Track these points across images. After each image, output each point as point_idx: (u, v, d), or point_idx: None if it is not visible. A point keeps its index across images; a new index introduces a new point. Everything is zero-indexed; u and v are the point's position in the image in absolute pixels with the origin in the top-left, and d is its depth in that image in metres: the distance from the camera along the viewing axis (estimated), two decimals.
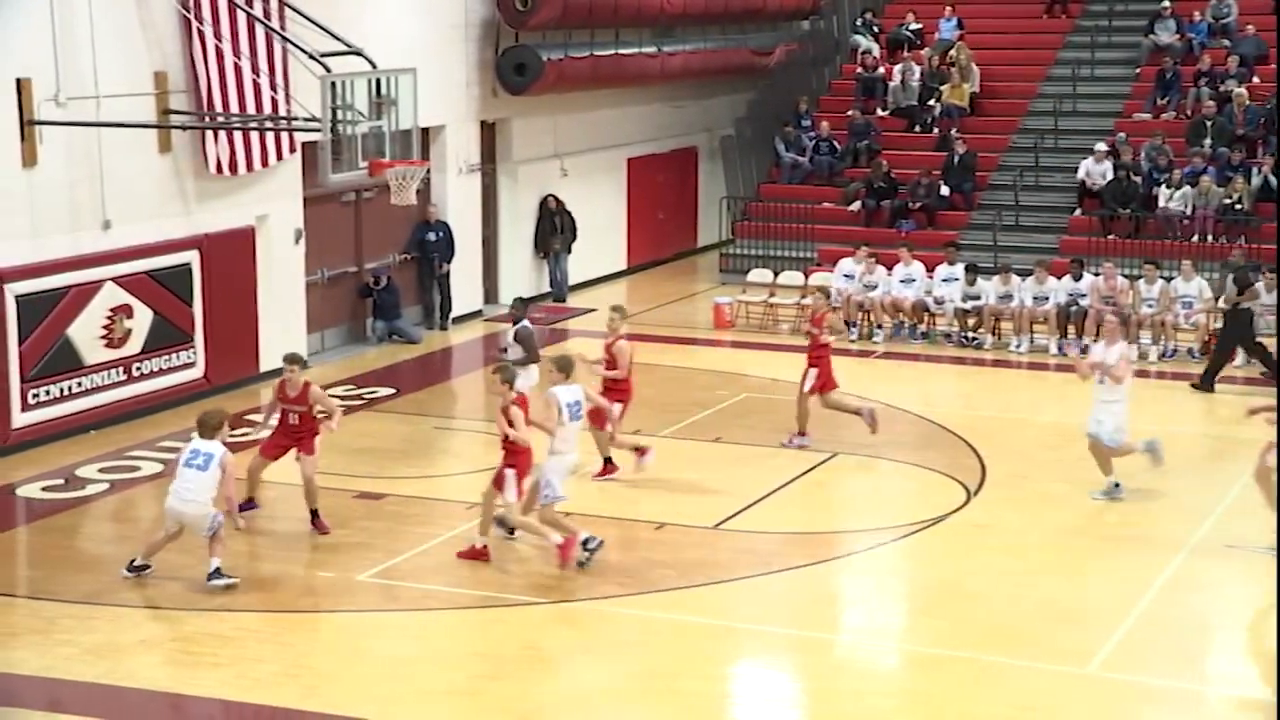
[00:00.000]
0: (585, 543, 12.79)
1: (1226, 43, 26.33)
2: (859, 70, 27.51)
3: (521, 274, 24.15)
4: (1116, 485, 14.79)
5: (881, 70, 27.40)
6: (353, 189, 20.57)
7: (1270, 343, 19.53)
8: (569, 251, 24.53)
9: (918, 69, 26.95)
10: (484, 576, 12.77)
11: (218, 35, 17.51)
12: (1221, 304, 19.98)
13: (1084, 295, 20.93)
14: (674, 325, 21.07)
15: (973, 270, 21.55)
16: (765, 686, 11.17)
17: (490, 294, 23.78)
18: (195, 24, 17.30)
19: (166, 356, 17.63)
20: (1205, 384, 19.17)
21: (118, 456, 15.82)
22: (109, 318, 16.86)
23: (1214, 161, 23.80)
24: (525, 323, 15.78)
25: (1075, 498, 14.97)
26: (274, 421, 13.87)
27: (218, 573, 12.19)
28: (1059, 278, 21.23)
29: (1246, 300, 19.50)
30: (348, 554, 13.15)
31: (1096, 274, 21.13)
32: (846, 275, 22.05)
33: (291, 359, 13.74)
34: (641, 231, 26.89)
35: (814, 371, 16.18)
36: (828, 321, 16.41)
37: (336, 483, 14.77)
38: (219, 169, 17.97)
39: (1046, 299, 21.00)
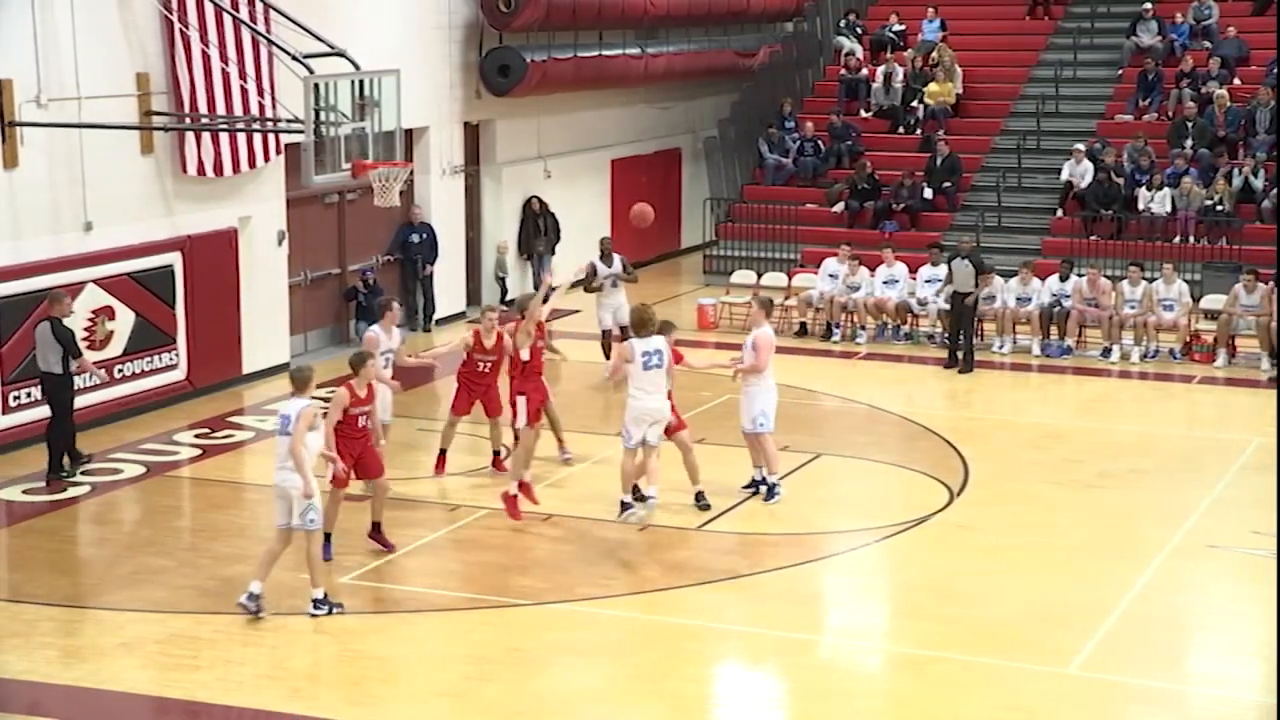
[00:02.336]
0: None
1: (1208, 44, 26.43)
2: (842, 71, 27.55)
3: (506, 276, 24.13)
4: (763, 482, 14.46)
5: (865, 71, 27.45)
6: (336, 190, 20.55)
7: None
8: (553, 253, 24.52)
9: (901, 70, 27.00)
10: (469, 578, 12.78)
11: (202, 37, 17.47)
12: (954, 288, 20.22)
13: (1068, 296, 20.98)
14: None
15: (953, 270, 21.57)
16: (750, 688, 11.18)
17: (473, 296, 23.76)
18: (177, 25, 17.26)
19: (148, 358, 17.58)
20: (966, 366, 19.91)
21: (100, 459, 15.77)
22: (90, 320, 16.80)
23: (1195, 163, 23.89)
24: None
25: (1058, 498, 15.02)
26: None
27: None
28: (1043, 279, 21.28)
29: (982, 287, 20.11)
30: (333, 556, 13.11)
31: (1080, 275, 21.18)
32: (831, 275, 22.07)
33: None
34: (625, 233, 26.84)
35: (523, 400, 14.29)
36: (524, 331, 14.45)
37: (321, 485, 14.70)
38: (199, 171, 17.92)
39: (1029, 300, 21.05)
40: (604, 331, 18.91)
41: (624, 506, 13.28)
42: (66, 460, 15.26)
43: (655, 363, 13.03)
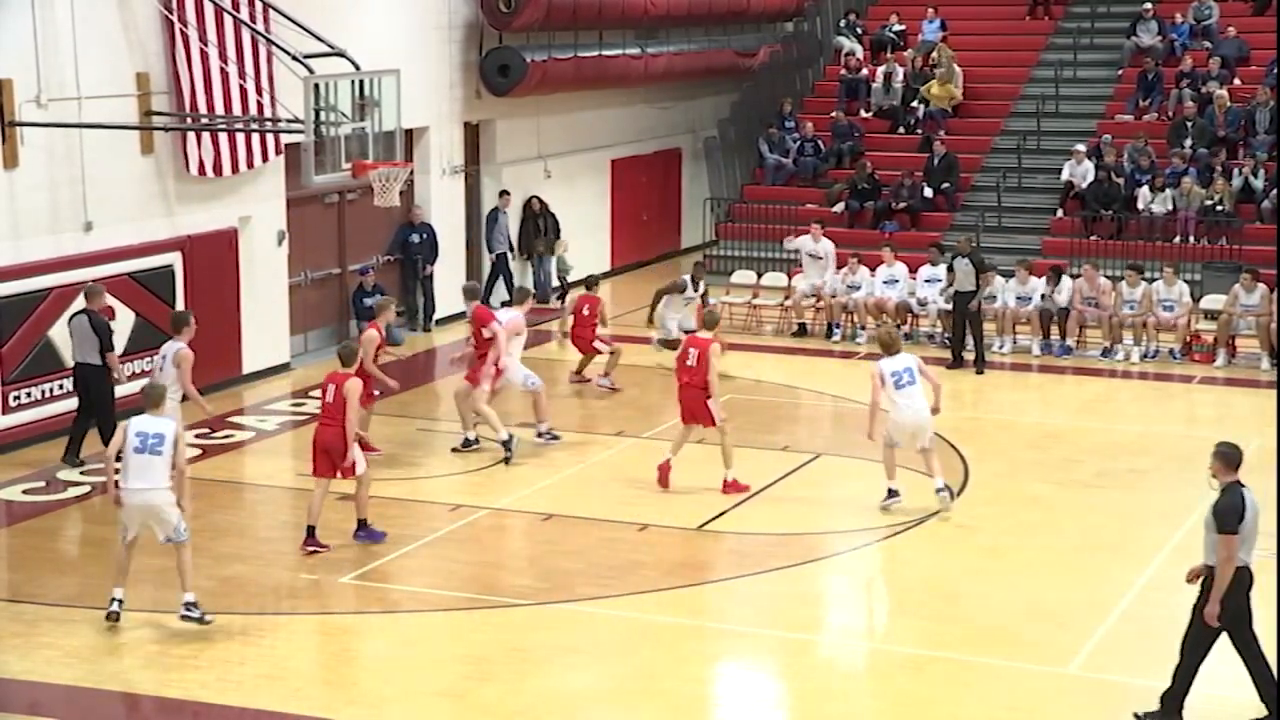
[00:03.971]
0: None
1: (1208, 44, 26.43)
2: (842, 71, 27.56)
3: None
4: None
5: (865, 71, 27.46)
6: (336, 190, 20.55)
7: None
8: (552, 253, 24.52)
9: (901, 70, 27.01)
10: (469, 578, 12.77)
11: (201, 36, 17.47)
12: (955, 288, 20.25)
13: (1059, 295, 20.92)
14: (657, 327, 21.13)
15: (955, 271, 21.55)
16: (749, 687, 11.18)
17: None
18: (178, 25, 17.26)
19: (149, 358, 17.52)
20: (978, 367, 19.86)
21: (99, 459, 15.73)
22: None
23: (1194, 162, 23.89)
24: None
25: (1058, 498, 15.02)
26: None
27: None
28: (1040, 278, 21.28)
29: (984, 286, 20.16)
30: (331, 556, 13.13)
31: (1076, 275, 21.15)
32: (811, 254, 22.08)
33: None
34: (625, 233, 26.90)
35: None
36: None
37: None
38: (201, 170, 17.93)
39: (1029, 299, 21.03)
40: (667, 339, 19.80)
41: (890, 494, 14.32)
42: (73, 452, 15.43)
43: (908, 380, 14.16)
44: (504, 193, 23.83)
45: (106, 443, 15.28)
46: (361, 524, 13.36)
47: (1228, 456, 10.14)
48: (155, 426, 11.35)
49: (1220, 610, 9.84)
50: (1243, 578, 9.93)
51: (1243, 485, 10.01)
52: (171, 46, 17.44)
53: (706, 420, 14.85)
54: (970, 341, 20.12)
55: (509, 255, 23.81)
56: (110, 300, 16.90)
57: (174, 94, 17.52)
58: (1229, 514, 9.83)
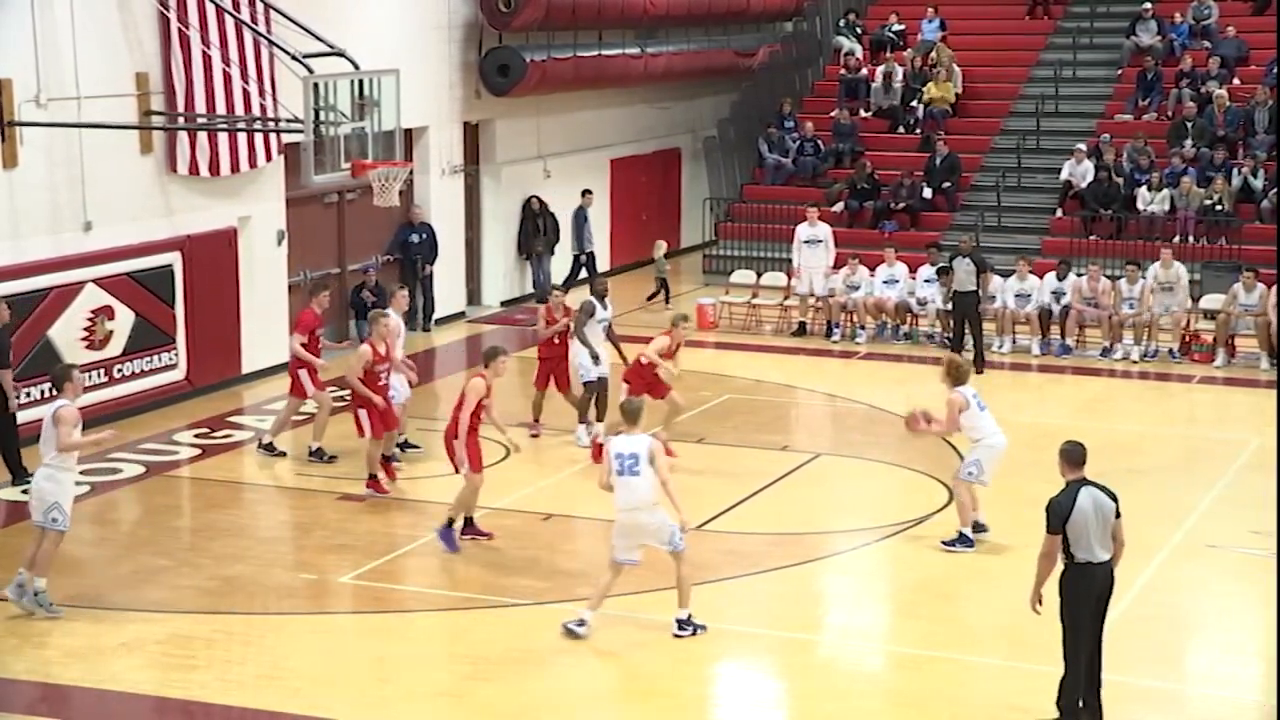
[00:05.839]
0: None
1: (1207, 44, 26.44)
2: (842, 71, 27.57)
3: (504, 276, 24.15)
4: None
5: (864, 71, 27.47)
6: (335, 190, 20.55)
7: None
8: (552, 253, 24.52)
9: (900, 70, 27.02)
10: (467, 578, 12.77)
11: (203, 37, 17.47)
12: (955, 288, 20.28)
13: (1064, 294, 20.96)
14: (657, 326, 21.11)
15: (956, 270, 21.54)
16: (749, 687, 11.18)
17: (473, 296, 23.78)
18: (177, 25, 17.26)
19: (148, 358, 17.58)
20: (978, 367, 19.56)
21: (99, 459, 15.73)
22: (90, 319, 16.82)
23: (1194, 162, 23.90)
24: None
25: None
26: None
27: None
28: (1041, 277, 21.26)
29: (983, 285, 20.20)
30: (330, 556, 13.15)
31: (1080, 274, 21.16)
32: (806, 241, 22.06)
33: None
34: (625, 232, 26.89)
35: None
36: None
37: (319, 484, 14.76)
38: (194, 170, 17.89)
39: (1028, 296, 21.01)
40: (600, 380, 16.18)
41: (962, 539, 13.35)
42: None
43: (983, 404, 13.60)
44: (586, 191, 24.27)
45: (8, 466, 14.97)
46: (449, 523, 13.11)
47: (1068, 454, 10.32)
48: (630, 446, 11.25)
49: (1047, 601, 10.02)
50: (1093, 574, 10.03)
51: (1085, 483, 10.09)
52: (168, 46, 17.43)
53: (564, 386, 16.49)
54: (970, 341, 20.12)
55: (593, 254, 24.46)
56: (112, 300, 16.93)
57: (166, 94, 17.50)
58: (1052, 513, 10.01)
